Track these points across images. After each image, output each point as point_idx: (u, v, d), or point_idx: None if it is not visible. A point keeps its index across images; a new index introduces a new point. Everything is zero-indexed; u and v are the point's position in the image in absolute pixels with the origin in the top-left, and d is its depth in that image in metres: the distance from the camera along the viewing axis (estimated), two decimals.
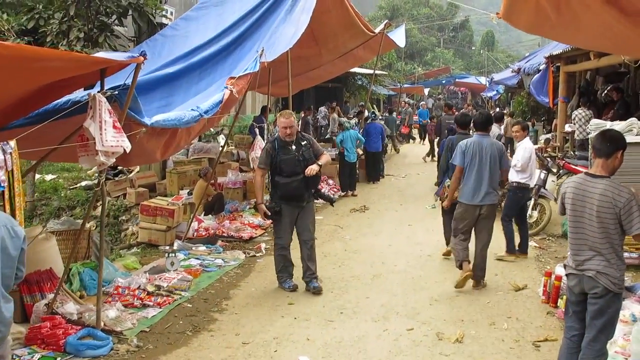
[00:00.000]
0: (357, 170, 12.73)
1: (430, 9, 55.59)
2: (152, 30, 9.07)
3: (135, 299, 5.68)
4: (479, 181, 5.98)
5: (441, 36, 56.82)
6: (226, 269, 6.89)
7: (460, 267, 6.21)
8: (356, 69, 18.56)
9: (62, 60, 3.63)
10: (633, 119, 7.79)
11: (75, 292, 5.73)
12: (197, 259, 7.19)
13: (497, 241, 7.14)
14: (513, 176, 7.16)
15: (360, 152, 12.81)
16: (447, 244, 7.40)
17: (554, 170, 9.14)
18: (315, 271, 6.11)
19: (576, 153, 10.43)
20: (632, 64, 9.34)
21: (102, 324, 4.89)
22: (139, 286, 5.91)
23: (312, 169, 5.84)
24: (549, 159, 9.92)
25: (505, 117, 14.11)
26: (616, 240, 3.63)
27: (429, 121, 19.81)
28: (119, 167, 11.12)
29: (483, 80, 34.36)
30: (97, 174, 4.71)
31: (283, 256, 6.17)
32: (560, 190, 4.02)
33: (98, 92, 4.09)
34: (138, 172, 11.31)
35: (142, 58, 4.07)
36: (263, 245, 7.92)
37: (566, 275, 3.92)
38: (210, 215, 9.26)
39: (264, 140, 8.90)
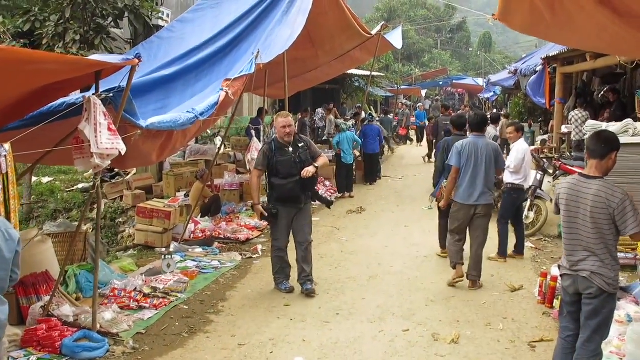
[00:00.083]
0: (354, 172, 12.74)
1: (427, 10, 55.72)
2: (149, 33, 9.08)
3: (132, 301, 5.67)
4: (474, 181, 6.05)
5: (438, 38, 56.94)
6: (222, 271, 6.89)
7: (454, 267, 6.29)
8: (353, 71, 18.57)
9: (56, 63, 3.63)
10: (629, 120, 7.81)
11: (72, 294, 5.72)
12: (194, 260, 7.19)
13: (494, 242, 7.16)
14: (507, 177, 7.19)
15: (357, 153, 12.83)
16: (441, 246, 7.41)
17: (550, 171, 9.16)
18: (310, 273, 6.11)
19: (572, 154, 10.46)
20: (628, 65, 9.37)
21: (98, 326, 4.88)
22: (135, 288, 5.90)
23: (308, 171, 5.84)
24: (545, 159, 9.95)
25: (501, 119, 14.13)
26: (610, 241, 3.64)
27: (427, 122, 19.85)
28: (116, 170, 11.11)
29: (480, 81, 34.40)
30: (92, 177, 4.69)
31: (280, 258, 6.18)
32: (555, 191, 4.04)
33: (93, 94, 4.09)
34: (135, 174, 11.30)
35: (136, 60, 4.07)
36: (259, 247, 7.92)
37: (560, 275, 3.93)
38: (207, 217, 9.26)
39: (260, 142, 8.90)
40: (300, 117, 16.32)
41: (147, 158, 5.97)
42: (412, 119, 25.14)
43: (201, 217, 9.23)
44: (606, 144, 3.71)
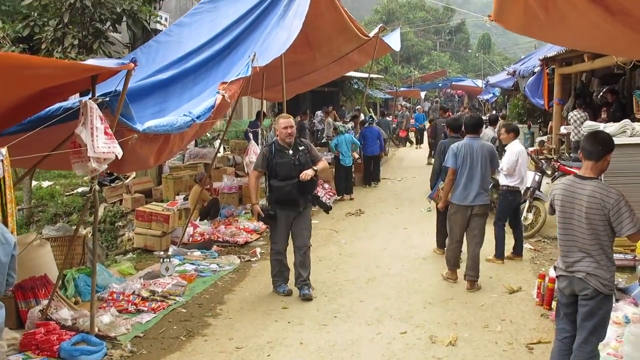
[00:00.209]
0: (353, 174, 12.75)
1: (426, 12, 55.76)
2: (147, 37, 9.11)
3: (130, 304, 5.68)
4: (470, 183, 6.14)
5: (437, 39, 57.02)
6: (221, 274, 6.90)
7: (450, 270, 6.48)
8: (352, 73, 18.60)
9: (52, 68, 3.65)
10: (626, 121, 7.82)
11: (70, 298, 5.73)
12: (192, 264, 7.19)
13: (492, 244, 7.17)
14: (502, 180, 7.22)
15: (357, 155, 12.84)
16: (439, 246, 7.50)
17: (549, 172, 9.16)
18: (307, 278, 6.10)
19: (571, 155, 10.47)
20: (627, 65, 9.38)
21: (96, 329, 4.89)
22: (134, 292, 5.91)
23: (307, 174, 5.84)
24: (543, 161, 9.95)
25: (499, 120, 14.14)
26: (606, 242, 3.64)
27: (428, 124, 19.85)
28: (115, 173, 11.13)
29: (480, 83, 34.45)
30: (89, 181, 4.71)
31: (278, 261, 6.18)
32: (550, 192, 4.04)
33: (89, 98, 4.11)
34: (134, 178, 11.33)
35: (132, 65, 4.08)
36: (258, 250, 7.93)
37: (556, 277, 3.94)
38: (205, 221, 9.26)
39: (258, 145, 8.92)
40: (299, 119, 16.35)
41: (145, 162, 5.98)
42: (412, 121, 25.15)
43: (200, 220, 9.24)
44: (603, 146, 3.71)
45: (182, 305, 5.87)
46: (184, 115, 5.32)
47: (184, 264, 7.19)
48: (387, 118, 21.17)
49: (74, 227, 7.63)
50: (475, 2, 72.24)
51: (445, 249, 6.85)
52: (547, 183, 9.07)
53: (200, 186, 9.04)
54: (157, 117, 5.53)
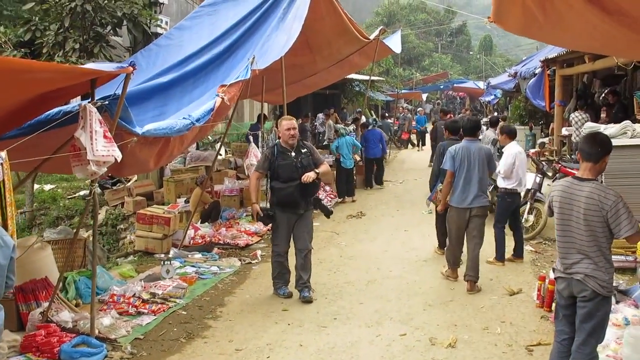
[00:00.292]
0: (355, 177, 12.76)
1: (427, 14, 55.78)
2: (148, 40, 9.13)
3: (130, 306, 5.70)
4: (468, 185, 6.19)
5: (439, 41, 57.02)
6: (221, 276, 6.92)
7: (450, 268, 6.57)
8: (353, 75, 18.62)
9: (51, 72, 3.67)
10: (627, 122, 7.81)
11: (71, 300, 5.75)
12: (193, 266, 7.21)
13: (492, 245, 7.18)
14: (500, 182, 7.24)
15: (358, 158, 12.86)
16: (440, 246, 7.53)
17: (550, 174, 9.15)
18: (307, 281, 6.11)
19: (572, 157, 10.45)
20: (629, 66, 9.36)
21: (96, 331, 4.91)
22: (134, 294, 5.93)
23: (309, 176, 5.85)
24: (544, 162, 9.94)
25: (500, 122, 14.14)
26: (604, 243, 3.64)
27: (431, 126, 19.85)
28: (116, 177, 11.15)
29: (481, 84, 34.43)
30: (89, 184, 4.73)
31: (280, 263, 6.19)
32: (549, 194, 4.05)
33: (88, 102, 4.13)
34: (136, 181, 11.35)
35: (131, 68, 4.11)
36: (259, 253, 7.94)
37: (555, 278, 3.94)
38: (206, 223, 9.28)
39: (258, 147, 8.94)
40: (301, 122, 16.36)
41: (145, 165, 6.00)
42: (413, 123, 25.16)
43: (201, 222, 9.26)
44: (602, 148, 3.70)
45: (182, 307, 5.89)
46: (184, 118, 5.34)
47: (185, 266, 7.21)
48: (389, 120, 21.16)
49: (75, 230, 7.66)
50: (476, 4, 72.21)
51: (445, 249, 6.88)
52: (548, 185, 9.06)
53: (201, 189, 9.06)
54: (158, 120, 5.57)
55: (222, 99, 5.65)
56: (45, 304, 5.15)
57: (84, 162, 4.24)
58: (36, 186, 12.45)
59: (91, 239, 7.18)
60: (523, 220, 8.27)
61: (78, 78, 4.02)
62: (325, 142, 16.41)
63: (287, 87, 9.33)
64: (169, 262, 6.72)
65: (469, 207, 6.20)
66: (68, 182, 13.77)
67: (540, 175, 8.50)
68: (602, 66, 10.13)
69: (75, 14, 8.39)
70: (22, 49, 8.61)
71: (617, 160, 7.37)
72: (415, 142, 23.96)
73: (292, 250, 6.21)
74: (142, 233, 8.31)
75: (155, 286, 6.17)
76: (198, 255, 7.70)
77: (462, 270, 6.49)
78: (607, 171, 7.25)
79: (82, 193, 12.38)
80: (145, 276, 6.76)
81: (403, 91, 30.72)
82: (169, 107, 6.33)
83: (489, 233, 7.13)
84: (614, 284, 5.31)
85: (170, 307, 5.82)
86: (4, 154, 3.71)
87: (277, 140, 6.32)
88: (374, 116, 22.53)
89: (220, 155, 12.65)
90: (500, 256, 7.12)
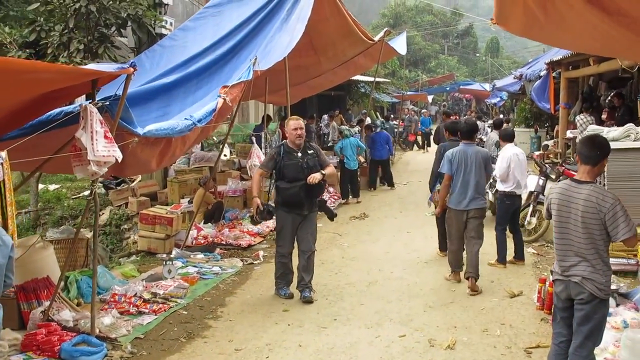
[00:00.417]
0: (359, 178, 12.76)
1: (433, 16, 55.66)
2: (152, 41, 9.18)
3: (131, 306, 5.73)
4: (465, 188, 6.27)
5: (445, 43, 56.88)
6: (223, 277, 6.94)
7: (452, 272, 6.58)
8: (359, 77, 18.62)
9: (52, 72, 3.71)
10: (630, 125, 7.79)
11: (73, 299, 5.79)
12: (195, 266, 7.24)
13: (493, 248, 7.16)
14: (498, 185, 7.27)
15: (362, 159, 12.86)
16: (441, 249, 7.53)
17: (553, 176, 9.12)
18: (309, 282, 6.12)
19: None
20: (632, 69, 9.32)
21: (97, 330, 4.94)
22: (136, 294, 5.96)
23: (315, 177, 5.85)
24: (548, 165, 9.91)
25: (503, 124, 14.11)
26: (601, 246, 3.63)
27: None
28: (120, 177, 11.20)
29: (488, 86, 34.34)
30: (90, 184, 4.77)
31: (283, 264, 6.20)
32: (547, 196, 4.04)
33: (89, 102, 4.17)
34: (140, 181, 11.40)
35: (131, 69, 4.13)
36: (261, 253, 7.96)
37: (553, 281, 3.93)
38: (209, 224, 9.32)
39: (261, 149, 8.96)
40: (306, 123, 16.35)
41: (147, 165, 6.03)
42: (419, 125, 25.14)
43: (204, 223, 9.30)
44: (601, 151, 3.70)
45: (183, 307, 5.91)
46: (185, 119, 5.37)
47: (187, 266, 7.24)
48: (393, 122, 21.15)
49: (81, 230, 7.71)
50: (483, 6, 72.09)
51: (447, 251, 6.89)
52: (551, 187, 9.03)
53: (205, 189, 9.10)
54: (161, 120, 5.59)
55: (224, 99, 5.67)
56: (47, 303, 5.19)
57: (84, 162, 4.27)
58: (41, 186, 12.54)
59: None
60: (526, 222, 8.25)
61: (78, 79, 4.05)
62: (329, 144, 16.43)
63: (292, 88, 9.35)
64: (170, 262, 6.75)
65: (465, 209, 6.28)
66: (72, 182, 13.84)
67: (543, 178, 8.48)
68: (607, 69, 10.10)
69: (80, 15, 8.45)
70: (27, 50, 8.67)
71: (620, 163, 7.35)
72: (421, 143, 23.93)
73: (295, 251, 6.23)
74: (145, 233, 8.35)
75: (156, 286, 6.20)
76: (200, 256, 7.73)
77: (463, 271, 6.49)
78: (610, 174, 7.30)
79: (86, 193, 12.43)
80: (147, 276, 6.80)
81: (409, 93, 30.71)
82: (173, 107, 6.36)
83: (491, 235, 7.14)
84: (615, 287, 5.32)
85: (171, 307, 5.84)
86: (4, 153, 3.74)
87: (284, 141, 6.34)
88: (381, 118, 22.51)
89: (225, 156, 12.70)
90: (501, 258, 7.11)
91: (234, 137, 15.42)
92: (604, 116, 10.40)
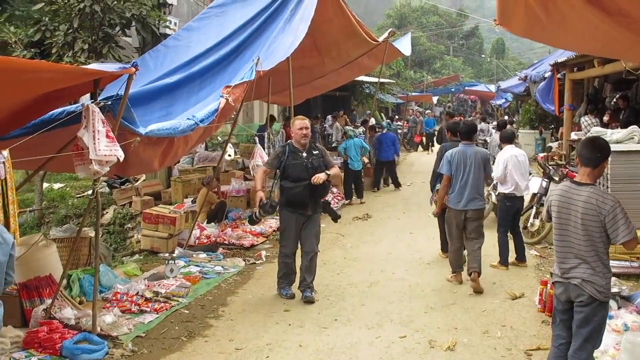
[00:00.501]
0: (362, 179, 12.76)
1: (439, 16, 55.56)
2: (157, 41, 9.21)
3: (133, 304, 5.75)
4: (464, 188, 6.30)
5: (451, 44, 56.75)
6: (225, 276, 6.95)
7: (454, 273, 6.59)
8: (363, 78, 18.61)
9: (53, 72, 3.73)
10: (634, 127, 7.76)
11: (75, 297, 5.82)
12: (197, 266, 7.25)
13: (496, 249, 7.16)
14: (499, 187, 7.27)
15: (366, 160, 12.86)
16: (443, 250, 7.54)
17: (556, 178, 9.10)
18: (311, 282, 6.13)
19: None
20: (635, 71, 9.28)
21: (98, 328, 4.97)
22: (138, 292, 5.99)
23: (319, 177, 5.85)
24: (552, 167, 9.88)
25: (507, 125, 14.08)
26: (601, 248, 3.62)
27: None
28: (123, 176, 11.24)
29: (493, 88, 34.27)
30: (93, 183, 4.79)
31: (286, 264, 6.21)
32: (547, 198, 4.04)
33: (91, 102, 4.19)
34: (144, 180, 11.45)
35: (133, 69, 4.16)
36: (263, 253, 7.98)
37: (552, 283, 3.93)
38: (212, 223, 9.34)
39: (264, 149, 8.97)
40: (310, 123, 16.35)
41: (149, 165, 6.06)
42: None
43: (207, 222, 9.32)
44: (601, 153, 3.69)
45: (184, 306, 5.93)
46: (188, 118, 5.39)
47: (189, 265, 7.26)
48: (397, 123, 21.15)
49: (84, 229, 7.74)
50: (489, 7, 71.83)
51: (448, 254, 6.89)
52: (551, 189, 9.01)
53: (208, 189, 9.12)
54: (163, 120, 5.61)
55: (227, 100, 5.69)
56: (49, 301, 5.23)
57: (86, 161, 4.30)
58: (45, 185, 12.60)
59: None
60: (529, 224, 8.23)
61: (81, 78, 4.08)
62: (333, 144, 16.43)
63: (296, 88, 9.36)
64: (173, 262, 6.78)
65: (463, 209, 6.32)
66: (77, 181, 13.91)
67: (546, 180, 8.45)
68: (611, 70, 10.07)
69: (84, 15, 8.49)
70: (32, 49, 8.72)
71: (624, 165, 7.34)
72: (425, 144, 23.91)
73: (298, 252, 6.24)
74: (148, 232, 8.38)
75: (158, 285, 6.23)
76: (203, 255, 7.75)
77: (465, 274, 6.49)
78: (614, 176, 7.29)
79: (90, 192, 12.48)
80: (149, 275, 6.83)
81: (413, 94, 30.67)
82: (176, 107, 6.39)
83: (492, 236, 7.13)
84: (617, 290, 5.30)
85: (172, 306, 5.86)
86: (6, 152, 3.77)
87: (289, 140, 6.35)
88: (385, 119, 22.51)
89: (230, 156, 12.74)
90: (503, 260, 7.10)
91: (238, 137, 15.45)
92: (605, 118, 10.38)
